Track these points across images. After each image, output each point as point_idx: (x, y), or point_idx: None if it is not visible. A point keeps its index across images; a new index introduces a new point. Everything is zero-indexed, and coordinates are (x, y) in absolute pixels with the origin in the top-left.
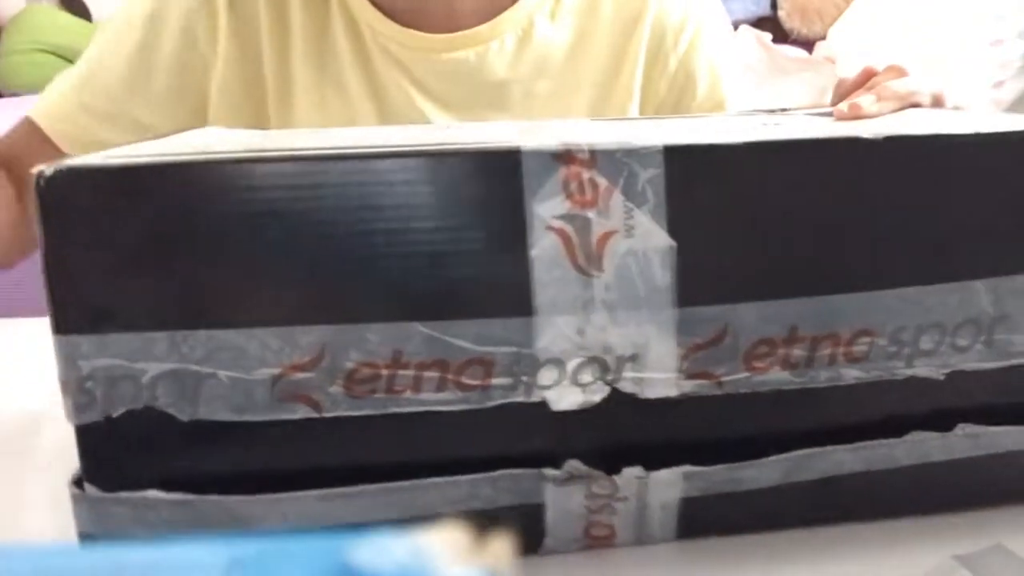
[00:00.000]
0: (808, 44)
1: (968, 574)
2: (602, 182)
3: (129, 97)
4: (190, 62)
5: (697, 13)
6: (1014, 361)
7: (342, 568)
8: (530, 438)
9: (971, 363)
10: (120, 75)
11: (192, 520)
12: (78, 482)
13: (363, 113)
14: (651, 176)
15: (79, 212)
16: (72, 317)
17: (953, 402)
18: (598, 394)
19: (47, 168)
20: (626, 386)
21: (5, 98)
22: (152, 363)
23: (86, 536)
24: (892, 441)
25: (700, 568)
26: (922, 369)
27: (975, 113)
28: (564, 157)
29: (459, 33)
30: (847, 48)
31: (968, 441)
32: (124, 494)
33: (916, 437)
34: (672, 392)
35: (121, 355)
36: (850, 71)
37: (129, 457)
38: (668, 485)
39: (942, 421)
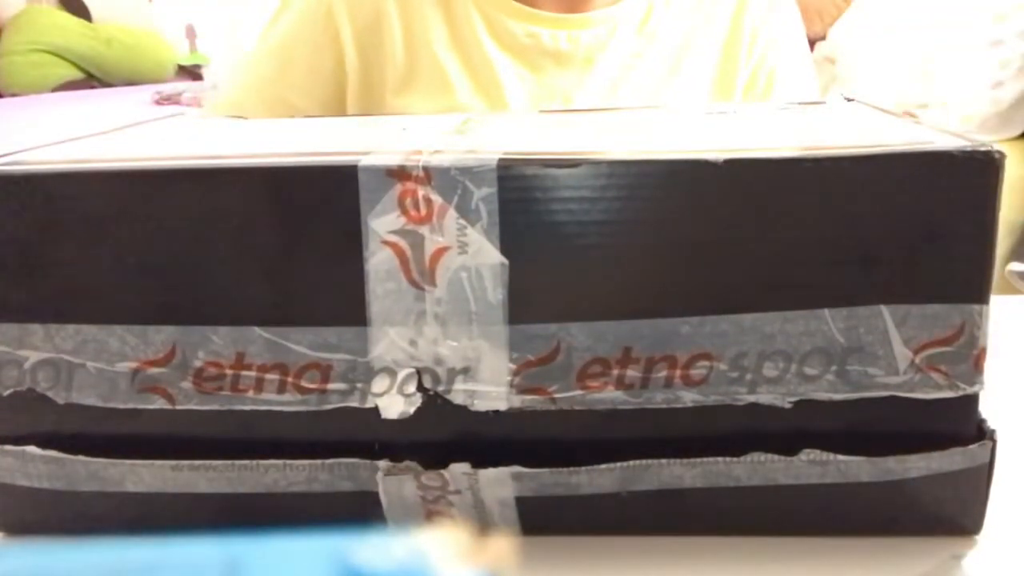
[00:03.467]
0: (808, 44)
1: (968, 574)
2: (436, 199)
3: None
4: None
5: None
6: (870, 393)
7: (342, 568)
8: (368, 436)
9: (821, 393)
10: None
11: (62, 475)
12: None
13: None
14: (484, 195)
15: None
16: None
17: (801, 426)
18: (414, 405)
19: None
20: (457, 397)
21: (5, 98)
22: (31, 351)
23: None
24: (730, 459)
25: (697, 566)
26: (766, 396)
27: (861, 125)
28: (399, 174)
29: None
30: (847, 48)
31: (815, 468)
32: (8, 447)
33: (757, 458)
34: (502, 406)
35: (5, 342)
36: (850, 71)
37: (15, 421)
38: (498, 483)
39: (787, 444)
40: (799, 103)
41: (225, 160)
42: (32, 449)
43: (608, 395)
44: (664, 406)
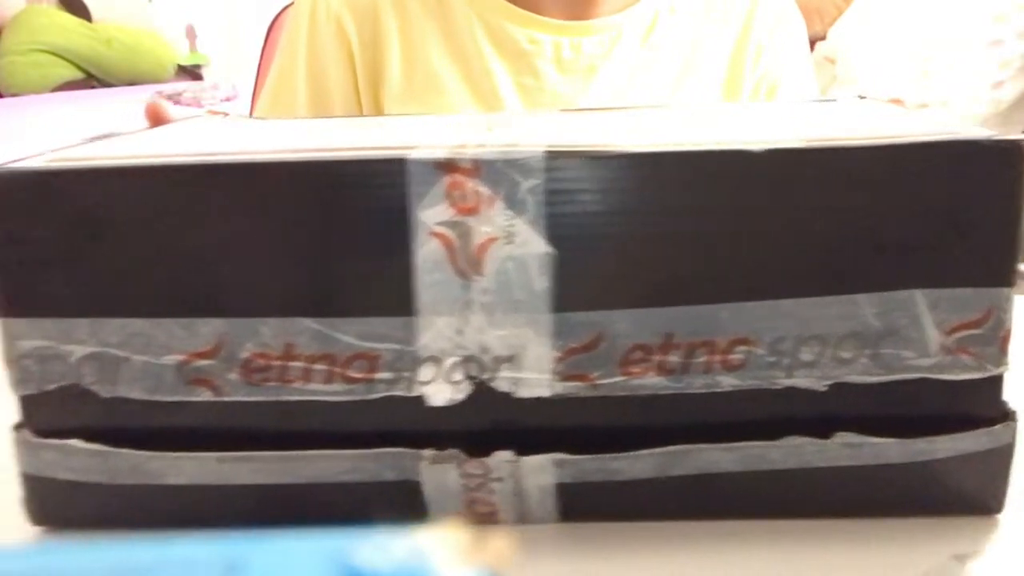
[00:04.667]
0: (808, 44)
1: (967, 574)
2: (484, 191)
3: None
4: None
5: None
6: (903, 376)
7: (342, 567)
8: (412, 425)
9: (855, 376)
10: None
11: (105, 469)
12: (18, 427)
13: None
14: (532, 186)
15: (11, 210)
16: (10, 302)
17: (834, 410)
18: (463, 392)
19: None
20: (501, 385)
21: (5, 98)
22: (77, 346)
23: (26, 475)
24: (767, 444)
25: (691, 555)
26: (802, 380)
27: (883, 114)
28: (448, 166)
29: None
30: (847, 48)
31: (848, 450)
32: (52, 440)
33: (793, 442)
34: (546, 392)
35: (50, 337)
36: (850, 71)
37: (58, 415)
38: (540, 470)
39: (821, 428)
40: (813, 100)
41: (273, 155)
42: (75, 442)
43: (649, 381)
44: (703, 391)
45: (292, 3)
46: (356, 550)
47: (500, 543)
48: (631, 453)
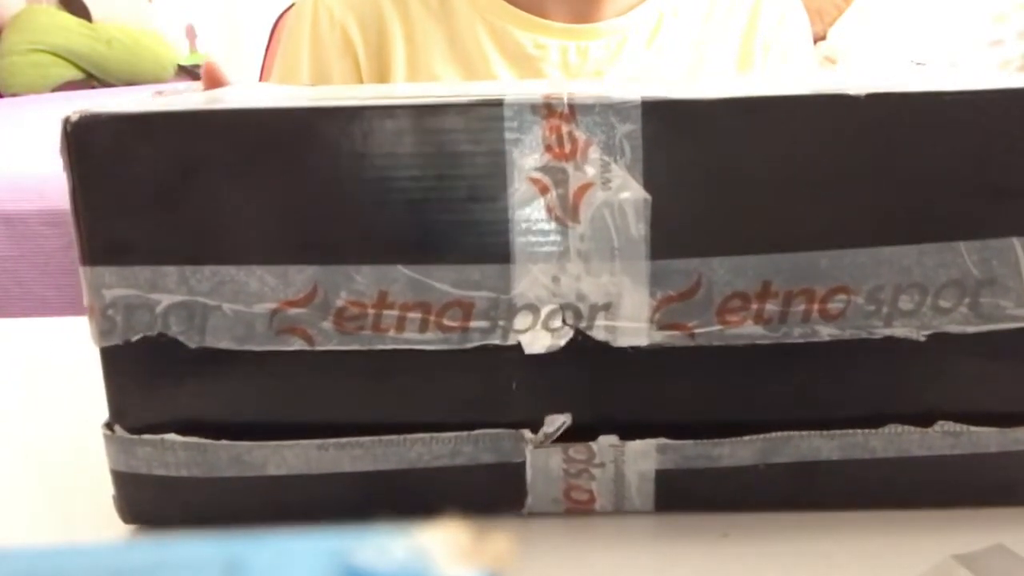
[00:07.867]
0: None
1: (968, 574)
2: (580, 136)
3: None
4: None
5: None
6: (1001, 325)
7: (342, 567)
8: (508, 382)
9: (954, 326)
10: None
11: (203, 462)
12: (109, 425)
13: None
14: (628, 131)
15: (100, 154)
16: (95, 250)
17: (935, 399)
18: (564, 338)
19: (73, 114)
20: (598, 334)
21: (5, 98)
22: (164, 294)
23: (117, 473)
24: (868, 432)
25: (690, 552)
26: (901, 329)
27: (965, 72)
28: (544, 111)
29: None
30: (847, 48)
31: (948, 439)
32: (147, 436)
33: (894, 430)
34: (643, 341)
35: (137, 286)
36: (850, 71)
37: (149, 400)
38: (643, 456)
39: (922, 415)
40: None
41: (370, 99)
42: (172, 437)
43: (747, 330)
44: (801, 340)
45: (293, 5)
46: (356, 550)
47: (500, 543)
48: (734, 439)
